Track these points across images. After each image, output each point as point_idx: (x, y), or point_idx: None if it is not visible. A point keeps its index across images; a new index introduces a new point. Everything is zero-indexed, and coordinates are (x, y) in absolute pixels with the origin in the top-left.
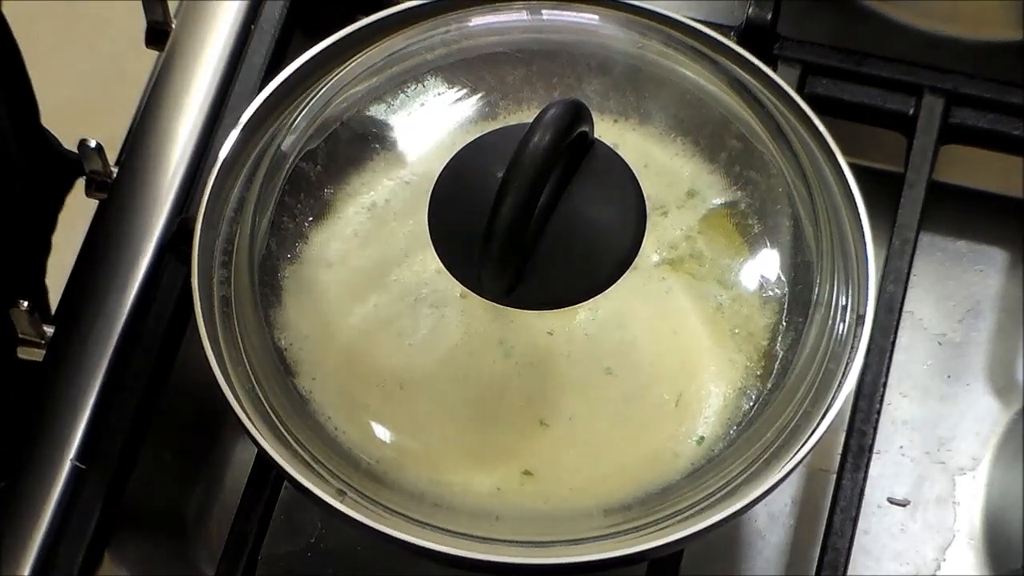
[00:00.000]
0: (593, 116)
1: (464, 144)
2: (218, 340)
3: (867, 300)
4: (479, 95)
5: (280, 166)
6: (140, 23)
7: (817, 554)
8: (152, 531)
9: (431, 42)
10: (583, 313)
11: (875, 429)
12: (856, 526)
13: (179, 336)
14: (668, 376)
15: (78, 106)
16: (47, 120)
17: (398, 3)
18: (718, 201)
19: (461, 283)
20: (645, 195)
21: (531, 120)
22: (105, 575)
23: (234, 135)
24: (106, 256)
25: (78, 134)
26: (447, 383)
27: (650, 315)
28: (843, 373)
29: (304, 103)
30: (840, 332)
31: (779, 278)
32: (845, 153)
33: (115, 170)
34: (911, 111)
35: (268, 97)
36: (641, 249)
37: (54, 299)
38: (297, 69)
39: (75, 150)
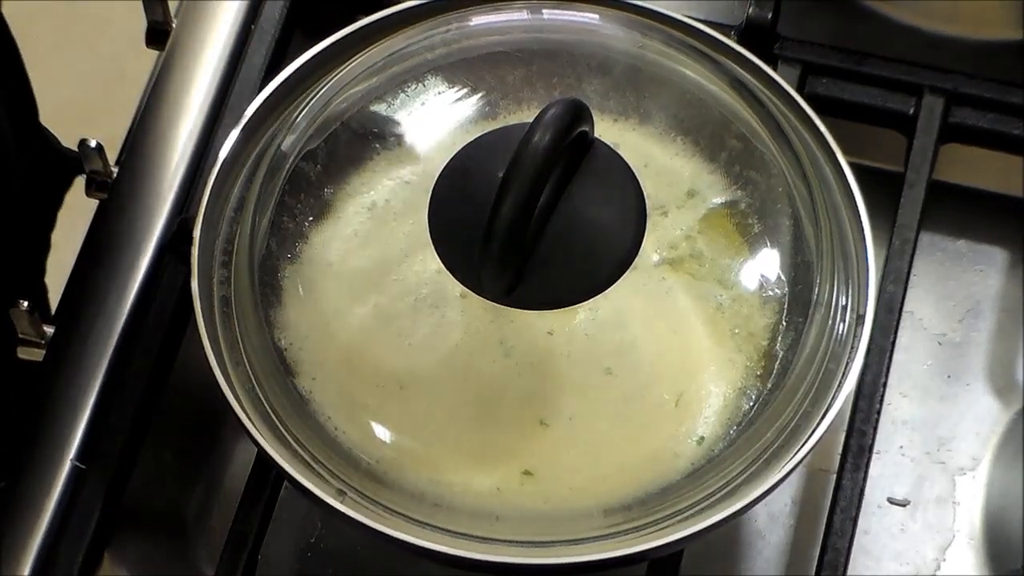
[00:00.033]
0: (593, 116)
1: (464, 144)
2: (218, 340)
3: (867, 300)
4: (479, 95)
5: (280, 166)
6: (140, 23)
7: (817, 554)
8: (152, 531)
9: (431, 42)
10: (583, 313)
11: (875, 429)
12: (856, 526)
13: (179, 336)
14: (668, 376)
15: (78, 106)
16: (47, 120)
17: (398, 3)
18: (718, 201)
19: (461, 283)
20: (645, 195)
21: (531, 120)
22: (105, 575)
23: (234, 135)
24: (106, 256)
25: (78, 134)
26: (447, 383)
27: (650, 315)
28: (843, 373)
29: (304, 103)
30: (840, 332)
31: (779, 278)
32: (845, 153)
33: (115, 170)
34: (911, 111)
35: (268, 97)
36: (641, 249)
37: (54, 299)
38: (297, 69)
39: (74, 149)
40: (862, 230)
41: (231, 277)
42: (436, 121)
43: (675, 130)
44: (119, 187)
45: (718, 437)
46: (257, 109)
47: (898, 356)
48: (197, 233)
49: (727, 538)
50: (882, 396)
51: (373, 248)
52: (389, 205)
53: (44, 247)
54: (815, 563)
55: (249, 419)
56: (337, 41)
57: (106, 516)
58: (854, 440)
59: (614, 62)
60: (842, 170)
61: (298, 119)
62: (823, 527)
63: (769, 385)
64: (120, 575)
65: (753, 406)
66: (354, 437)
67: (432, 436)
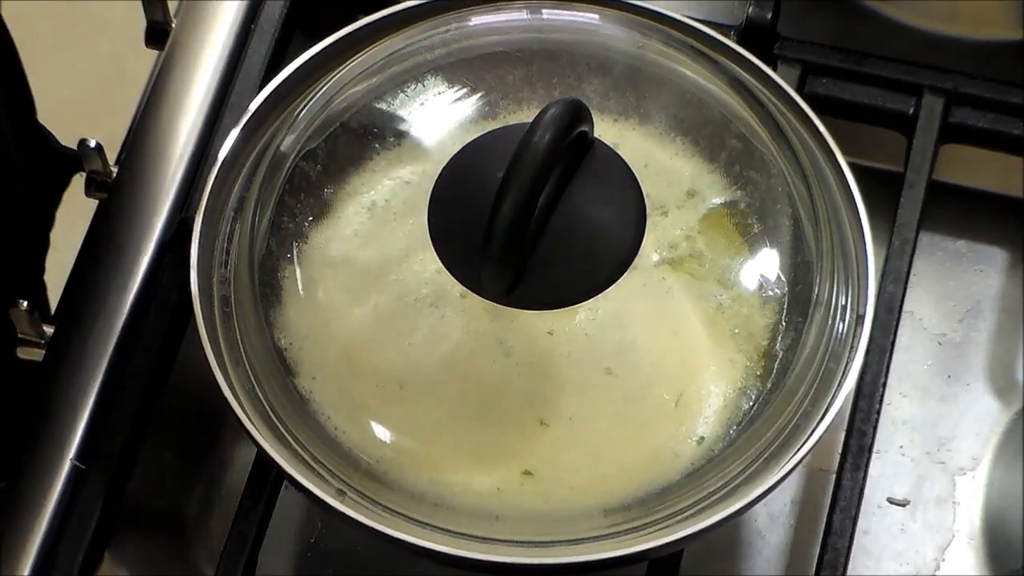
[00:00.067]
0: (593, 116)
1: (464, 144)
2: (218, 340)
3: (867, 300)
4: (479, 95)
5: (280, 166)
6: (140, 23)
7: (817, 554)
8: (152, 531)
9: (431, 42)
10: (583, 313)
11: (875, 429)
12: (856, 526)
13: (179, 336)
14: (668, 376)
15: (78, 106)
16: (48, 121)
17: (398, 3)
18: (718, 201)
19: (461, 283)
20: (645, 195)
21: (531, 120)
22: (105, 575)
23: (234, 135)
24: (106, 256)
25: (78, 134)
26: (447, 383)
27: (650, 315)
28: (843, 373)
29: (304, 103)
30: (840, 332)
31: (779, 278)
32: (845, 153)
33: (115, 170)
34: (911, 111)
35: (268, 97)
36: (641, 249)
37: (53, 299)
38: (297, 69)
39: (72, 147)
40: (862, 230)
41: (231, 277)
42: (436, 121)
43: (675, 130)
44: (119, 187)
45: (718, 437)
46: (257, 109)
47: (898, 356)
48: (197, 233)
49: (727, 538)
50: (882, 396)
51: (373, 248)
52: (389, 205)
53: (43, 246)
54: (815, 563)
55: (249, 419)
56: (337, 41)
57: (106, 516)
58: (854, 440)
59: (614, 62)
60: (842, 170)
61: (298, 119)
62: (823, 527)
63: (769, 385)
64: (120, 575)
65: (753, 406)
66: (354, 437)
67: (432, 436)
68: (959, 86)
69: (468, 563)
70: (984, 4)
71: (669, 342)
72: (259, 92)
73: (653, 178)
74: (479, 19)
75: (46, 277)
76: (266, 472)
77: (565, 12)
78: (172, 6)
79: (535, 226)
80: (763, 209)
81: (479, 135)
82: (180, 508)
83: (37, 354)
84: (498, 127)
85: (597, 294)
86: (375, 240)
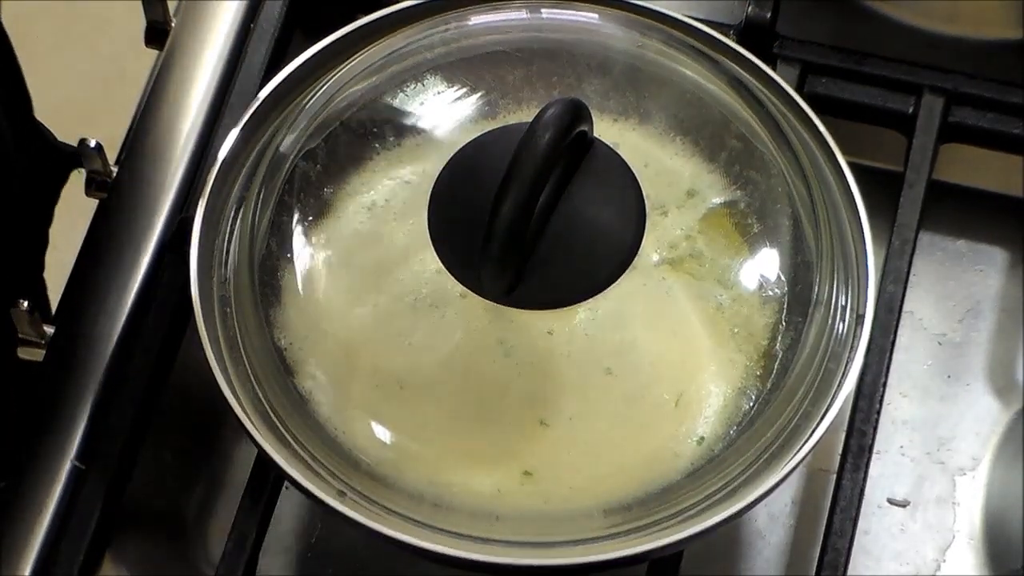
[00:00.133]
0: (593, 115)
1: (464, 143)
2: (218, 340)
3: (867, 300)
4: (479, 94)
5: (280, 166)
6: (140, 23)
7: (817, 554)
8: (152, 531)
9: (431, 41)
10: (583, 313)
11: (875, 429)
12: (856, 526)
13: (179, 336)
14: (668, 376)
15: (78, 106)
16: (48, 120)
17: (397, 2)
18: (718, 201)
19: (461, 283)
20: (645, 195)
21: (531, 119)
22: (105, 575)
23: (234, 134)
24: (106, 256)
25: (78, 134)
26: (447, 383)
27: (650, 315)
28: (843, 373)
29: (304, 102)
30: (840, 332)
31: (779, 278)
32: (845, 152)
33: (115, 170)
34: (911, 110)
35: (268, 96)
36: (641, 249)
37: (54, 299)
38: (297, 68)
39: (69, 143)
40: (862, 230)
41: (231, 277)
42: (436, 121)
43: (675, 130)
44: (119, 187)
45: (718, 437)
46: (257, 108)
47: (898, 356)
48: (197, 233)
49: (727, 538)
50: (882, 396)
51: (373, 248)
52: (389, 205)
53: (42, 243)
54: (815, 563)
55: (249, 419)
56: (336, 40)
57: (106, 516)
58: (854, 440)
59: (613, 62)
60: (842, 170)
61: (298, 118)
62: (823, 527)
63: (769, 385)
64: (120, 575)
65: (753, 406)
66: (354, 437)
67: (432, 436)
68: (959, 86)
69: (468, 564)
70: (984, 4)
71: (669, 342)
72: (259, 92)
73: (653, 178)
74: (479, 19)
75: (47, 277)
76: (266, 472)
77: (565, 12)
78: (172, 6)
79: (535, 226)
80: (763, 209)
81: (479, 135)
82: (180, 508)
83: (37, 354)
84: (498, 127)
85: (597, 294)
86: (375, 240)
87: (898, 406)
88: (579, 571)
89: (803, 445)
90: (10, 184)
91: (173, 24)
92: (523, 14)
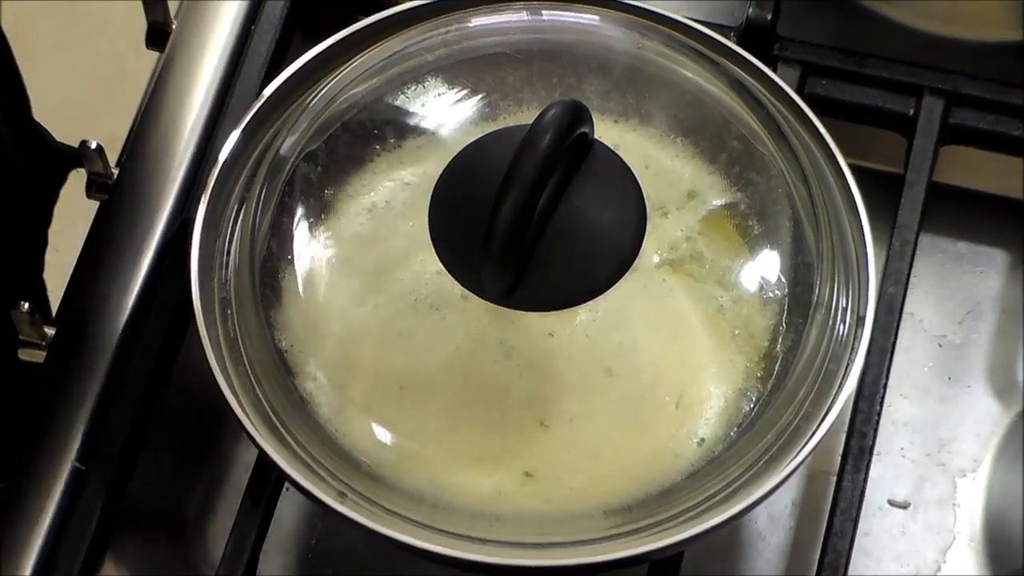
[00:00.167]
0: (593, 117)
1: (464, 145)
2: (218, 341)
3: (867, 301)
4: (479, 96)
5: (281, 167)
6: (140, 23)
7: (817, 556)
8: (152, 532)
9: (431, 43)
10: (584, 314)
11: (875, 431)
12: (856, 528)
13: (179, 337)
14: (669, 377)
15: (78, 106)
16: (48, 121)
17: (398, 4)
18: (718, 202)
19: (461, 284)
20: (645, 196)
21: (531, 121)
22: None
23: (234, 136)
24: (107, 257)
25: (78, 134)
26: (448, 384)
27: (651, 316)
28: (843, 374)
29: (305, 104)
30: (840, 333)
31: (779, 279)
32: (845, 154)
33: (116, 171)
34: (911, 112)
35: (268, 98)
36: (641, 250)
37: (54, 300)
38: (297, 70)
39: (68, 143)
40: (862, 231)
41: (232, 278)
42: (436, 122)
43: (675, 131)
44: (120, 188)
45: (719, 438)
46: (257, 110)
47: (898, 357)
48: (197, 234)
49: (728, 539)
50: (882, 398)
51: (373, 249)
52: (389, 206)
53: (42, 243)
54: (815, 564)
55: (249, 420)
56: (337, 42)
57: (106, 517)
58: (854, 442)
59: (614, 63)
60: (842, 171)
61: (299, 120)
62: (824, 529)
63: (769, 386)
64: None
65: (753, 407)
66: (355, 438)
67: (432, 437)
68: (959, 87)
69: (468, 564)
70: (984, 4)
71: (670, 343)
72: (259, 93)
73: (653, 179)
74: (479, 20)
75: (47, 279)
76: (267, 473)
77: (565, 13)
78: (172, 6)
79: (535, 227)
80: (763, 210)
81: (479, 136)
82: (180, 509)
83: (38, 356)
84: (498, 128)
85: (598, 295)
86: (375, 241)
87: (899, 407)
88: (579, 572)
89: (803, 446)
90: (9, 184)
91: (174, 25)
92: (524, 16)
